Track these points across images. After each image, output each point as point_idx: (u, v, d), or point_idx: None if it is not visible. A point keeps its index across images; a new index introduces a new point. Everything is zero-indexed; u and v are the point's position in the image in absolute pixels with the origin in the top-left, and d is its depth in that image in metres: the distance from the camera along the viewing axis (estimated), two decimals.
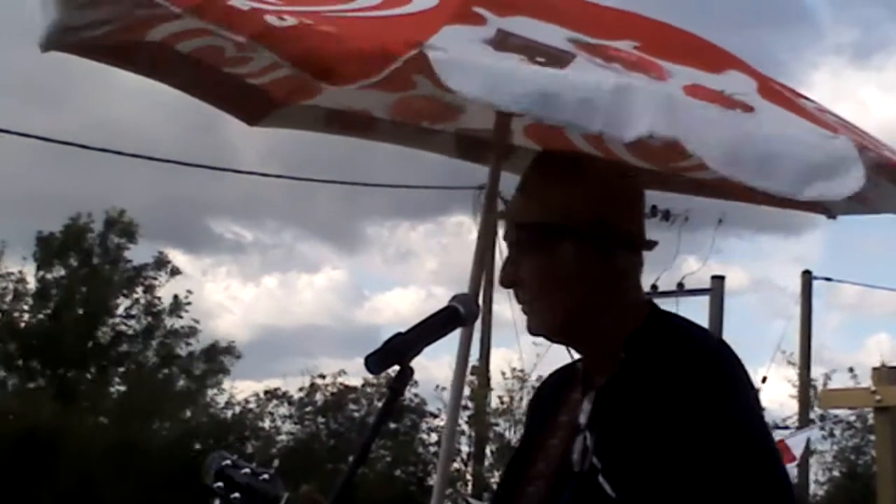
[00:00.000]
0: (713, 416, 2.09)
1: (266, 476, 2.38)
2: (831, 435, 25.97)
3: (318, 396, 27.14)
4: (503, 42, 2.24)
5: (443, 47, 2.10)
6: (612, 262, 2.26)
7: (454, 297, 2.22)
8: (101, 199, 27.89)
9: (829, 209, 3.09)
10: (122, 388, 27.13)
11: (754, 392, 2.24)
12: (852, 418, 25.23)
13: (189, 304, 27.90)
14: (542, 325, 2.29)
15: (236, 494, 2.38)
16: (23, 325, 27.11)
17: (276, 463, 2.68)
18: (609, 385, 2.24)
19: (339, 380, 26.99)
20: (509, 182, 3.54)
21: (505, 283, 2.32)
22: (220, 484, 2.38)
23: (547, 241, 2.25)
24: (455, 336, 2.87)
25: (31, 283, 27.15)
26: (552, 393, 2.43)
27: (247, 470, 2.40)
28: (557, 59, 2.20)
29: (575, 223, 2.24)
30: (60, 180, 33.85)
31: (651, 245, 2.33)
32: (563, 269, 2.24)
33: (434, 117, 3.35)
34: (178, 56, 2.85)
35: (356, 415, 26.67)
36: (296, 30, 2.16)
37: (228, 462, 2.41)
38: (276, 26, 2.15)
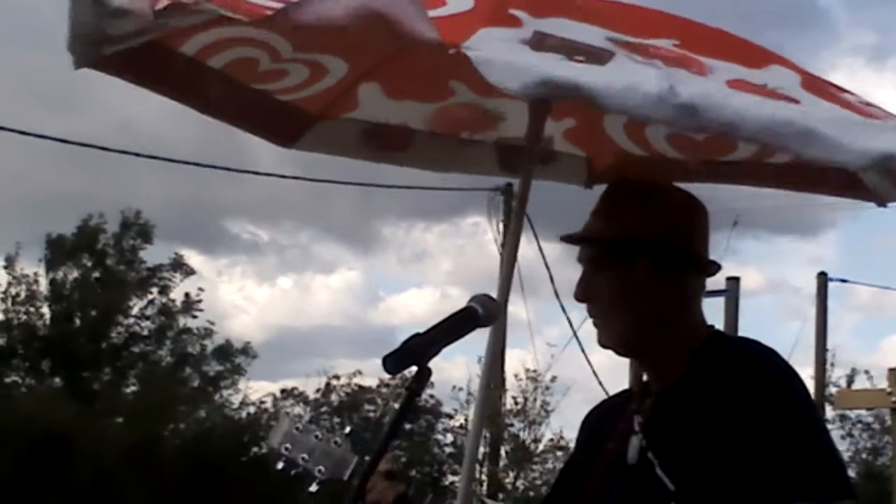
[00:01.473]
0: (771, 418, 2.16)
1: (337, 440, 2.38)
2: (849, 435, 25.90)
3: (334, 397, 27.14)
4: (541, 42, 2.26)
5: (479, 48, 2.12)
6: (682, 281, 2.38)
7: (473, 298, 2.23)
8: (118, 200, 27.92)
9: (881, 197, 3.07)
10: (137, 389, 27.15)
11: (809, 398, 2.31)
12: (870, 419, 25.15)
13: (200, 301, 27.97)
14: (614, 338, 2.39)
15: (304, 456, 2.37)
16: (37, 326, 27.16)
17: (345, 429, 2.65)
18: (670, 390, 2.33)
19: (355, 380, 26.99)
20: (537, 190, 3.53)
21: (580, 298, 2.41)
22: (287, 445, 2.37)
23: (623, 257, 2.35)
24: (472, 337, 2.88)
25: (44, 285, 27.23)
26: (606, 411, 2.52)
27: (317, 433, 2.39)
28: (597, 56, 2.23)
29: (650, 241, 2.34)
30: (78, 182, 34.00)
31: (716, 269, 2.46)
32: (638, 284, 2.34)
33: (474, 127, 3.31)
34: (209, 73, 2.82)
35: (371, 415, 26.66)
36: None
37: (298, 426, 2.41)
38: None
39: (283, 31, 2.55)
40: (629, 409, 2.40)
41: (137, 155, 17.40)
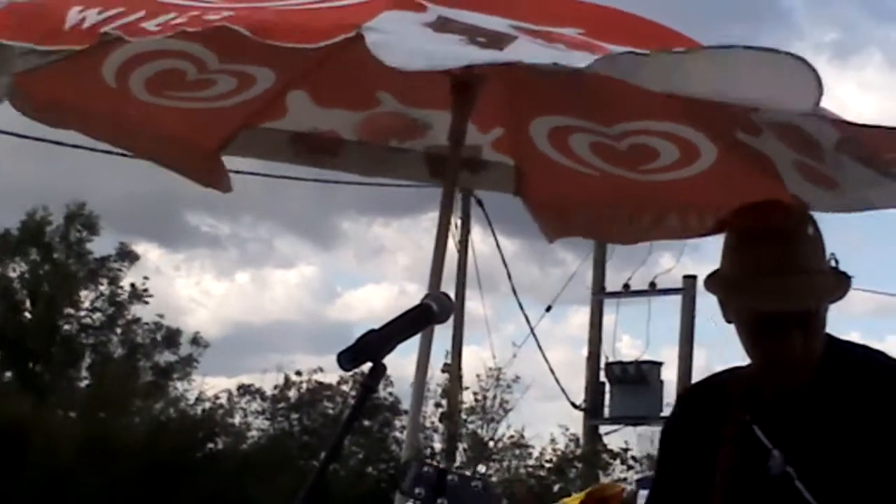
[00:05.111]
0: None
1: (478, 484, 2.33)
2: None
3: (293, 393, 27.07)
4: (443, 26, 2.28)
5: (380, 29, 2.13)
6: None
7: (428, 295, 2.22)
8: (75, 194, 27.73)
9: (810, 207, 3.11)
10: (90, 382, 26.98)
11: None
12: None
13: (146, 289, 27.84)
14: (811, 367, 2.33)
15: (442, 500, 2.32)
16: None
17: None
18: (797, 400, 2.30)
19: (315, 377, 26.93)
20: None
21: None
22: (419, 490, 2.32)
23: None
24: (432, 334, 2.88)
25: None
26: (704, 415, 2.44)
27: (453, 477, 2.33)
28: (498, 39, 2.24)
29: (829, 268, 2.39)
30: (35, 177, 33.65)
31: None
32: (824, 317, 2.38)
33: (402, 135, 3.34)
34: (135, 103, 2.86)
35: (330, 411, 26.62)
36: (236, 14, 2.25)
37: (428, 469, 2.35)
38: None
39: (205, 41, 2.59)
40: (735, 415, 2.34)
41: (92, 150, 17.19)
